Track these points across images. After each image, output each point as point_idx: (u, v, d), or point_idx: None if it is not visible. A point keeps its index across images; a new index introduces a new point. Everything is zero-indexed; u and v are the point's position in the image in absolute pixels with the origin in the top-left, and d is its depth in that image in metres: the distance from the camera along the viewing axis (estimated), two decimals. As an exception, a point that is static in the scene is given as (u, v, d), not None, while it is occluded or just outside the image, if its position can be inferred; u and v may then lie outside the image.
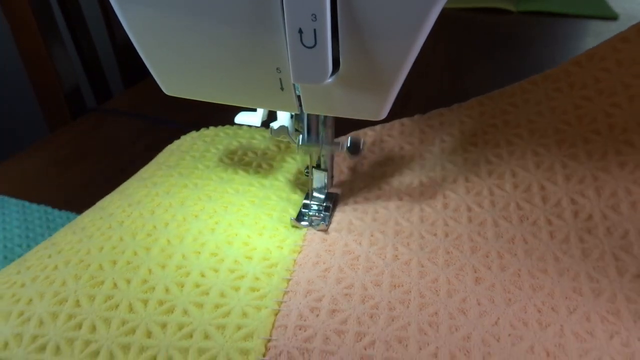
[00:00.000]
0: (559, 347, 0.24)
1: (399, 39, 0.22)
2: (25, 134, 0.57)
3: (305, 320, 0.26)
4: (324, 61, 0.22)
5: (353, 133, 0.40)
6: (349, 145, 0.33)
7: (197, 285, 0.27)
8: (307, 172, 0.37)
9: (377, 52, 0.23)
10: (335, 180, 0.38)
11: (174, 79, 0.28)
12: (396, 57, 0.23)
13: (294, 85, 0.26)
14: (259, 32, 0.23)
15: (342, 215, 0.34)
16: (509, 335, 0.25)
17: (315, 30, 0.21)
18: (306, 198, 0.35)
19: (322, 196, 0.35)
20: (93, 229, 0.32)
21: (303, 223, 0.33)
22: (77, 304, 0.26)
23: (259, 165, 0.39)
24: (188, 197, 0.34)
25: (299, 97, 0.26)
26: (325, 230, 0.33)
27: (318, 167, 0.34)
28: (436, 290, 0.28)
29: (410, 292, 0.27)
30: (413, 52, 0.22)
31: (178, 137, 0.46)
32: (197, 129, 0.47)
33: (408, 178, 0.38)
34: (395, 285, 0.28)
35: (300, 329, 0.25)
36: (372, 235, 0.32)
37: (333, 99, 0.26)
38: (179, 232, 0.31)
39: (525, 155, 0.37)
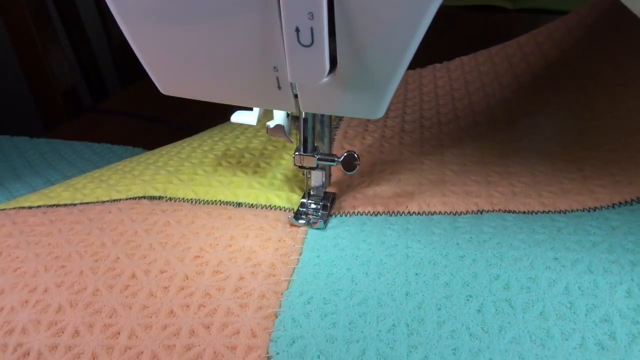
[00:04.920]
0: None
1: (397, 38, 0.22)
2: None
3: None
4: (321, 60, 0.22)
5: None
6: (342, 160, 0.32)
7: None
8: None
9: (375, 50, 0.22)
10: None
11: (170, 79, 0.27)
12: (393, 55, 0.23)
13: (291, 84, 0.25)
14: (256, 30, 0.23)
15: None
16: None
17: (312, 28, 0.21)
18: (304, 197, 0.35)
19: (320, 195, 0.35)
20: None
21: (300, 222, 0.33)
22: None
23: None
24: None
25: (296, 96, 0.26)
26: (323, 229, 0.33)
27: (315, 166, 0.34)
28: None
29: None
30: (410, 51, 0.22)
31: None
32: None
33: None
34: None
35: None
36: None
37: (330, 98, 0.26)
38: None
39: None
